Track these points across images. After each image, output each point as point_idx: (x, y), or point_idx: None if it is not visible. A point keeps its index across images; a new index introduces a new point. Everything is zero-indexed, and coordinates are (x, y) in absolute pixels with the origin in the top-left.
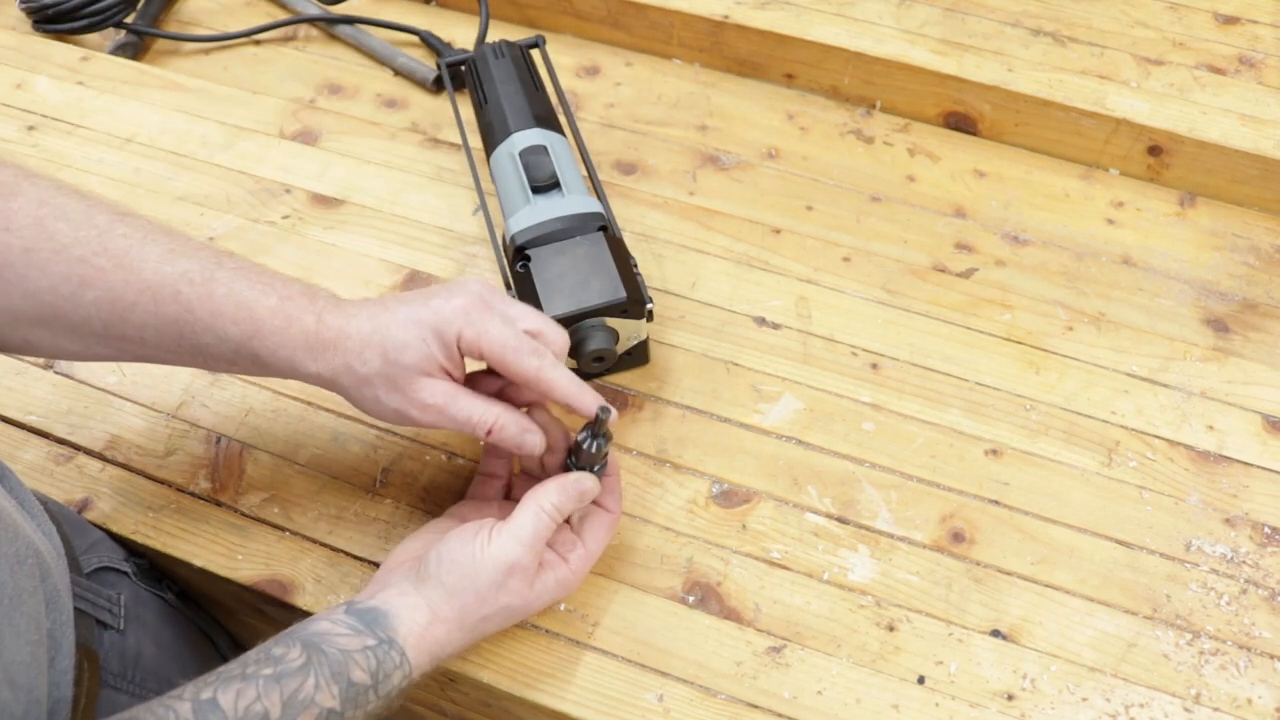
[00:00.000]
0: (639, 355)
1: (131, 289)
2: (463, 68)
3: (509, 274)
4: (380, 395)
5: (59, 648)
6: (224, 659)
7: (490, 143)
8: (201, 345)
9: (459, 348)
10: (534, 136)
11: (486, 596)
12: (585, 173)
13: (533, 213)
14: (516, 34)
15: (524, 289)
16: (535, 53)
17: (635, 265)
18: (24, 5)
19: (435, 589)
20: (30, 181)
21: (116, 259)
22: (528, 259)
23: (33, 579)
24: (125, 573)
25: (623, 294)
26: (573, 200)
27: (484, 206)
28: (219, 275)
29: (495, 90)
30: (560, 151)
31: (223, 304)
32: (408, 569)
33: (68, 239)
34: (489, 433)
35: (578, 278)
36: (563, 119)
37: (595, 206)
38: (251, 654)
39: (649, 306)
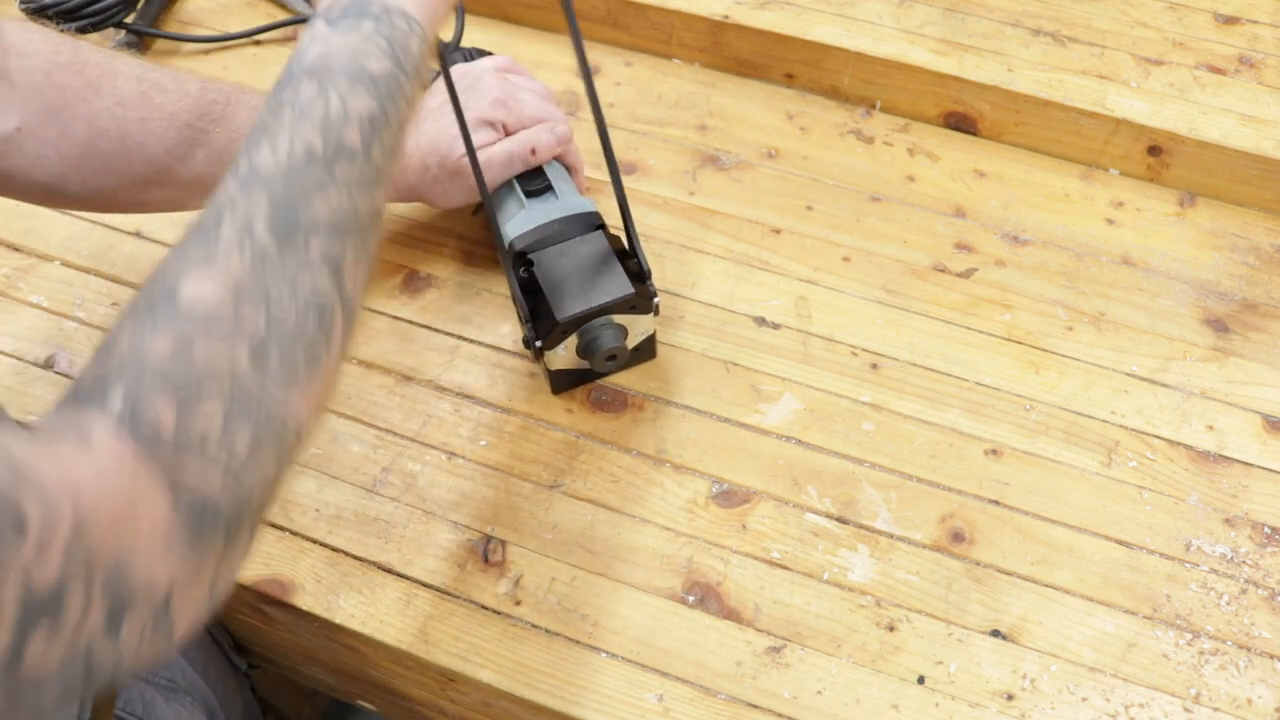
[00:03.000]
0: (646, 350)
1: (236, 144)
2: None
3: (512, 277)
4: (447, 188)
5: None
6: (226, 657)
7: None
8: None
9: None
10: None
11: None
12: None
13: (528, 217)
14: (517, 34)
15: (530, 293)
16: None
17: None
18: (24, 5)
19: None
20: (120, 60)
21: (216, 120)
22: (530, 263)
23: None
24: None
25: (630, 289)
26: (566, 202)
27: (489, 203)
28: None
29: None
30: None
31: None
32: None
33: (173, 107)
34: (533, 151)
35: (584, 278)
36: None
37: (590, 206)
38: (262, 110)
39: (655, 301)
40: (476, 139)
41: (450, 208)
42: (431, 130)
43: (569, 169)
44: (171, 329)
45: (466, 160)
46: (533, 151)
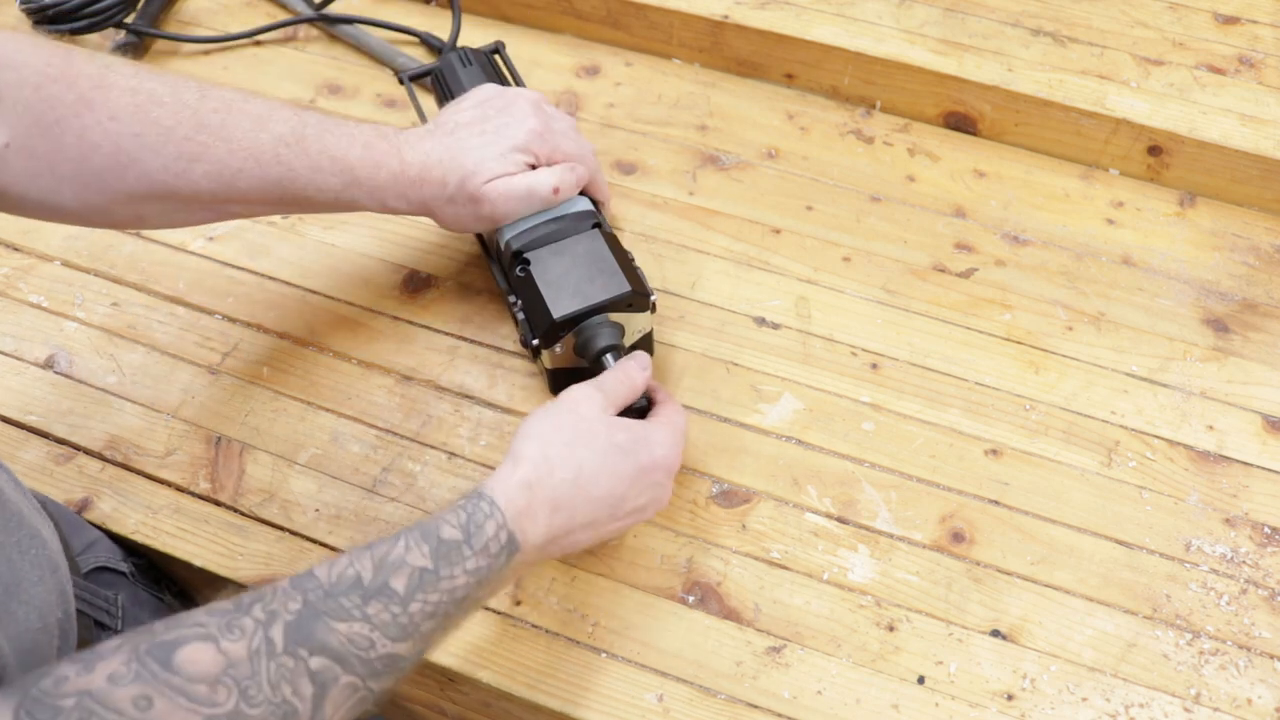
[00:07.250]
0: (644, 348)
1: (236, 157)
2: (428, 78)
3: (509, 278)
4: (460, 211)
5: (68, 641)
6: None
7: None
8: (304, 197)
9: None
10: None
11: (561, 424)
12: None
13: (525, 216)
14: (515, 34)
15: (526, 292)
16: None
17: (633, 259)
18: (24, 5)
19: (514, 447)
20: (114, 70)
21: (215, 132)
22: (526, 262)
23: (38, 569)
24: (123, 573)
25: (628, 287)
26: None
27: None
28: (308, 133)
29: None
30: None
31: (318, 159)
32: None
33: (170, 121)
34: (555, 191)
35: (580, 276)
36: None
37: (585, 205)
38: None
39: (653, 299)
40: (505, 164)
41: (457, 232)
42: (458, 147)
43: (596, 203)
44: (145, 683)
45: (488, 188)
46: (555, 191)
